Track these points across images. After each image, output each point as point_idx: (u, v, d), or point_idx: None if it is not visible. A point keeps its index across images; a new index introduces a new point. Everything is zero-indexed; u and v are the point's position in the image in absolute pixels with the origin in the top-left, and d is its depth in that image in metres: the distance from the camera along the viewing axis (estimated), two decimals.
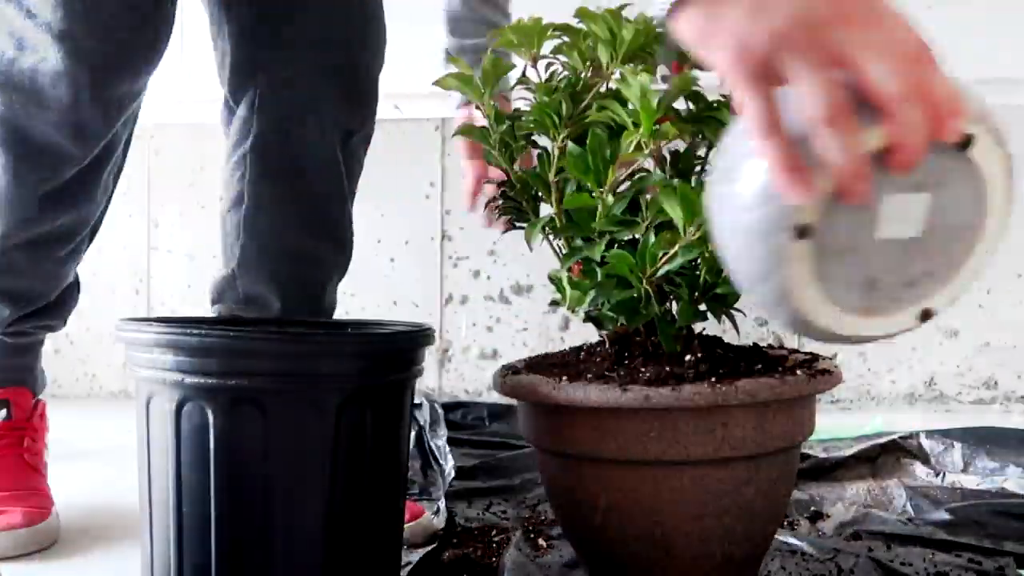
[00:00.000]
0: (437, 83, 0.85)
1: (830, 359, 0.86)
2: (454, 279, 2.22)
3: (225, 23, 1.16)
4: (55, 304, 1.22)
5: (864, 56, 0.54)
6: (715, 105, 0.80)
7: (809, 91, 0.55)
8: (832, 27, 0.54)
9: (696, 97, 0.83)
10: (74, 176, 1.11)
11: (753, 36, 0.55)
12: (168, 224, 2.34)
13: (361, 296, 2.16)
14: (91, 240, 1.22)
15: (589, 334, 0.91)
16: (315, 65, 1.15)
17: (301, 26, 1.15)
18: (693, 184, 0.82)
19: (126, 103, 1.11)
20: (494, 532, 1.11)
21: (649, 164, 0.84)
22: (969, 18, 1.96)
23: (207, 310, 1.26)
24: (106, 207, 1.21)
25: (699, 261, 0.79)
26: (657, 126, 0.76)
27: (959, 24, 1.91)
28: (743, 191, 0.61)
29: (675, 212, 0.75)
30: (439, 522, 1.13)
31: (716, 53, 0.57)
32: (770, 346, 0.95)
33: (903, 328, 0.67)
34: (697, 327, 0.86)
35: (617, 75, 0.80)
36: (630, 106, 0.77)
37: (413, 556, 0.99)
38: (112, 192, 1.21)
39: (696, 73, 0.77)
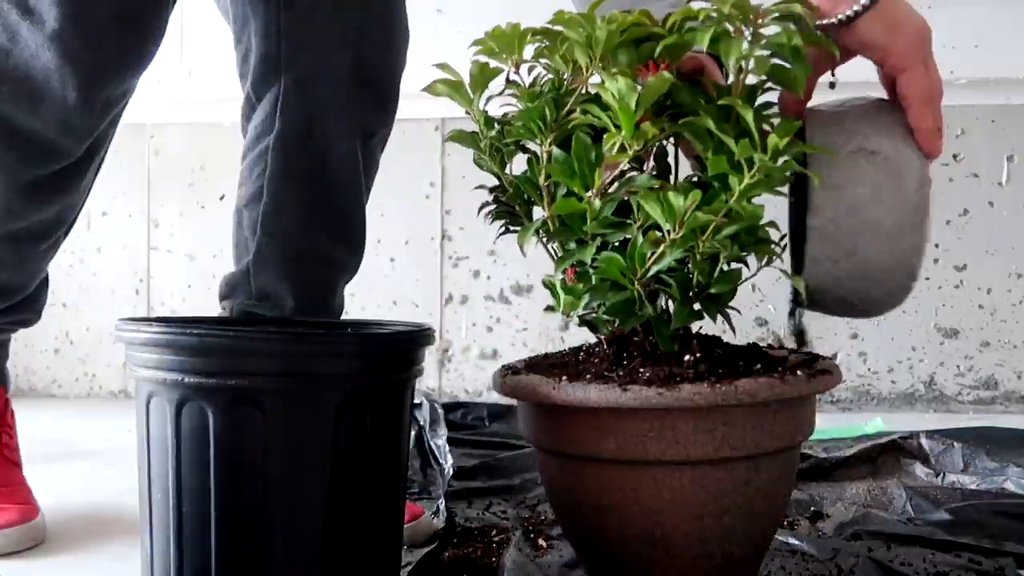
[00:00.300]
0: (427, 89, 0.85)
1: (830, 359, 0.86)
2: (454, 279, 2.22)
3: (251, 20, 1.16)
4: (31, 298, 1.23)
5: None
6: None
7: (935, 77, 0.81)
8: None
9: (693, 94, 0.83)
10: (60, 171, 1.12)
11: (926, 31, 0.81)
12: (168, 224, 2.34)
13: (361, 296, 2.16)
14: (66, 235, 1.23)
15: (589, 334, 0.91)
16: (341, 65, 1.15)
17: (329, 25, 1.15)
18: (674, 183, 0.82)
19: (114, 103, 1.11)
20: (494, 532, 1.11)
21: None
22: (969, 18, 1.96)
23: (207, 310, 1.26)
24: (83, 203, 1.22)
25: (689, 261, 0.79)
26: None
27: (959, 24, 1.91)
28: (892, 155, 0.79)
29: (655, 212, 0.75)
30: (439, 522, 1.13)
31: (902, 40, 0.80)
32: (770, 346, 0.95)
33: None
34: (695, 327, 0.86)
35: (596, 78, 0.80)
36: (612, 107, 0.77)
37: (413, 556, 0.99)
38: (91, 189, 1.21)
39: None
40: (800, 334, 0.88)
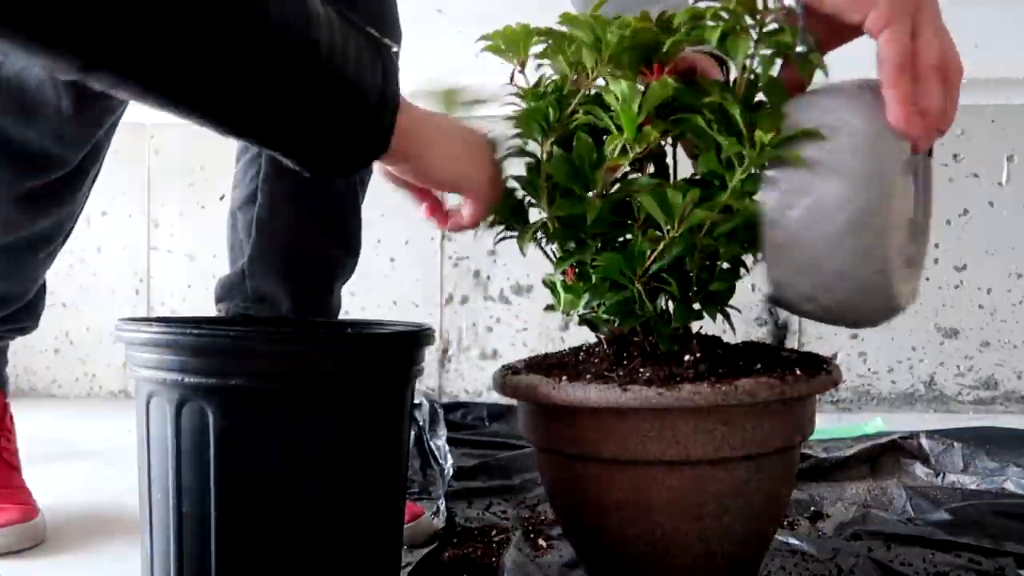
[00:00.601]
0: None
1: (830, 359, 0.86)
2: (454, 279, 2.22)
3: None
4: (30, 305, 1.23)
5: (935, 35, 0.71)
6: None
7: (929, 43, 0.70)
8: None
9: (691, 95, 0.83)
10: (56, 180, 1.12)
11: None
12: (168, 224, 2.34)
13: (361, 296, 2.16)
14: (64, 242, 1.23)
15: (589, 334, 0.91)
16: None
17: None
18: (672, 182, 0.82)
19: (110, 111, 1.11)
20: (494, 532, 1.11)
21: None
22: (969, 18, 1.96)
23: (207, 310, 1.26)
24: (81, 210, 1.22)
25: (687, 260, 0.79)
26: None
27: (959, 24, 1.91)
28: (855, 135, 0.70)
29: (654, 210, 0.75)
30: (439, 522, 1.13)
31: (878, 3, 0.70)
32: (771, 346, 0.95)
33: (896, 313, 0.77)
34: (695, 327, 0.86)
35: (601, 80, 0.80)
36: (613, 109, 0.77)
37: (413, 556, 0.99)
38: (88, 196, 1.21)
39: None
40: (782, 327, 0.87)
